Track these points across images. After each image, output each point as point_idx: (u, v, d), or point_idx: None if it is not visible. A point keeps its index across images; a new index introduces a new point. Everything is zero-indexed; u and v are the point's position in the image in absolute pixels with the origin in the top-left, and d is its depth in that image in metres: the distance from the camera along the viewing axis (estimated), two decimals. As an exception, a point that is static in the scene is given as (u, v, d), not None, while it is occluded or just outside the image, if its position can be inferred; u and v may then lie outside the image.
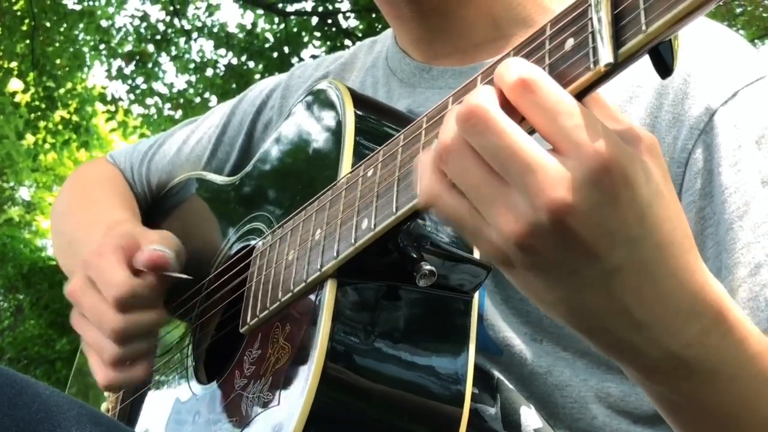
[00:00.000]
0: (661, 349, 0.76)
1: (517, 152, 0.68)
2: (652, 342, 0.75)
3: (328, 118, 1.14)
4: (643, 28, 0.65)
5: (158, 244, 1.17)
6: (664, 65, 0.70)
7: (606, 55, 0.67)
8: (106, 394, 1.42)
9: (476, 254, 1.00)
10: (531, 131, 0.71)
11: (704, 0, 0.62)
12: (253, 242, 1.20)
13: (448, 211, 0.74)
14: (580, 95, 0.72)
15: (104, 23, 11.65)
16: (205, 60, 11.26)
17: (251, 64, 10.78)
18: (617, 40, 0.68)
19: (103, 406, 1.40)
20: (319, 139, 1.15)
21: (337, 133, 1.10)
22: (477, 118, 0.70)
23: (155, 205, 1.61)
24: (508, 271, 0.74)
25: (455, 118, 0.71)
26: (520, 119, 0.71)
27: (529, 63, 0.71)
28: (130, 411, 1.32)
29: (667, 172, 0.74)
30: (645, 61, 0.71)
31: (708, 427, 0.86)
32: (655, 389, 0.84)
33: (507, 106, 0.71)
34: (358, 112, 1.10)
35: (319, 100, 1.19)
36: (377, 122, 1.13)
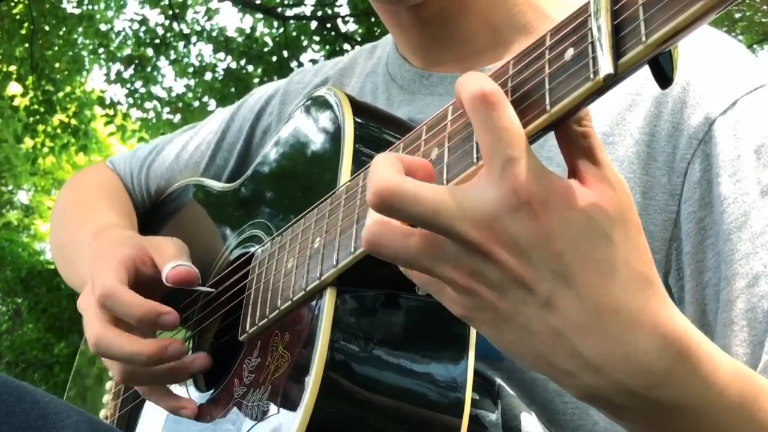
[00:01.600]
0: (625, 392, 0.74)
1: (422, 201, 0.72)
2: (614, 385, 0.74)
3: (327, 125, 1.14)
4: (643, 39, 0.65)
5: (179, 260, 1.18)
6: (663, 76, 0.70)
7: (606, 65, 0.67)
8: (104, 401, 1.41)
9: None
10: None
11: (704, 11, 0.62)
12: (252, 249, 1.20)
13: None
14: (581, 105, 0.72)
15: (103, 27, 11.65)
16: (204, 64, 11.25)
17: (250, 68, 10.78)
18: (617, 51, 0.67)
19: (102, 413, 1.40)
20: (318, 146, 1.15)
21: (336, 140, 1.09)
22: (391, 199, 0.72)
23: (154, 211, 1.61)
24: (469, 323, 0.78)
25: (372, 205, 0.74)
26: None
27: (487, 78, 0.73)
28: (129, 418, 1.32)
29: (629, 219, 0.74)
30: (644, 70, 0.71)
31: None
32: (630, 427, 0.82)
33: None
34: (357, 120, 1.10)
35: (317, 107, 1.18)
36: (376, 129, 1.13)
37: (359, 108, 1.13)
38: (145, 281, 1.19)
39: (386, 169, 0.74)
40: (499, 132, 0.70)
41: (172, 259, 1.17)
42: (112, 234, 1.35)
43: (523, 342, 0.75)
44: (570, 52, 0.72)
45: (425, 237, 0.74)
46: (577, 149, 0.75)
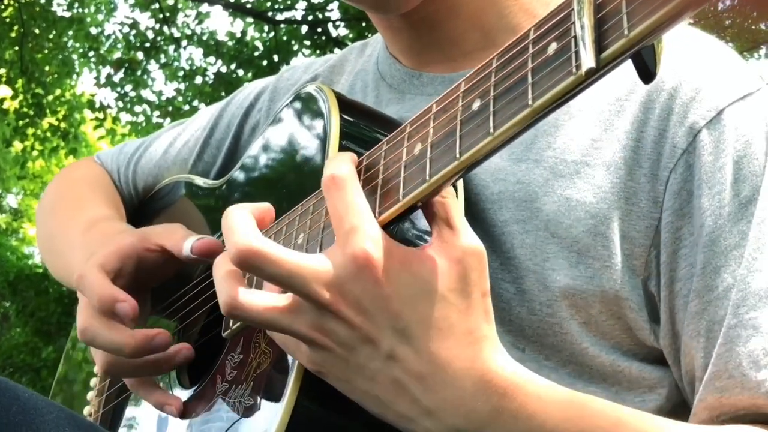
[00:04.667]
0: (454, 431, 0.85)
1: (281, 263, 0.81)
2: (443, 425, 0.84)
3: (314, 122, 1.14)
4: (626, 32, 0.65)
5: (196, 236, 1.17)
6: (646, 70, 0.70)
7: (588, 59, 0.67)
8: (88, 397, 1.41)
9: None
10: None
11: (685, 6, 0.62)
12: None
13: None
14: (565, 100, 0.72)
15: (93, 30, 11.66)
16: (195, 68, 11.26)
17: (240, 72, 10.78)
18: (599, 45, 0.67)
19: (86, 410, 1.39)
20: (305, 143, 1.15)
21: (322, 137, 1.09)
22: (253, 259, 0.82)
23: (142, 207, 1.60)
24: (324, 378, 0.88)
25: (234, 262, 0.84)
26: None
27: (342, 163, 0.86)
28: (113, 415, 1.31)
29: (473, 283, 0.85)
30: (633, 74, 0.71)
31: None
32: None
33: None
34: (344, 117, 1.10)
35: (304, 104, 1.18)
36: (363, 127, 1.13)
37: (346, 105, 1.13)
38: (149, 269, 1.18)
39: (248, 229, 0.84)
40: (345, 206, 0.82)
41: (187, 236, 1.17)
42: (110, 225, 1.34)
43: (371, 393, 0.86)
44: (553, 47, 0.72)
45: (283, 298, 0.84)
46: (436, 216, 0.85)
